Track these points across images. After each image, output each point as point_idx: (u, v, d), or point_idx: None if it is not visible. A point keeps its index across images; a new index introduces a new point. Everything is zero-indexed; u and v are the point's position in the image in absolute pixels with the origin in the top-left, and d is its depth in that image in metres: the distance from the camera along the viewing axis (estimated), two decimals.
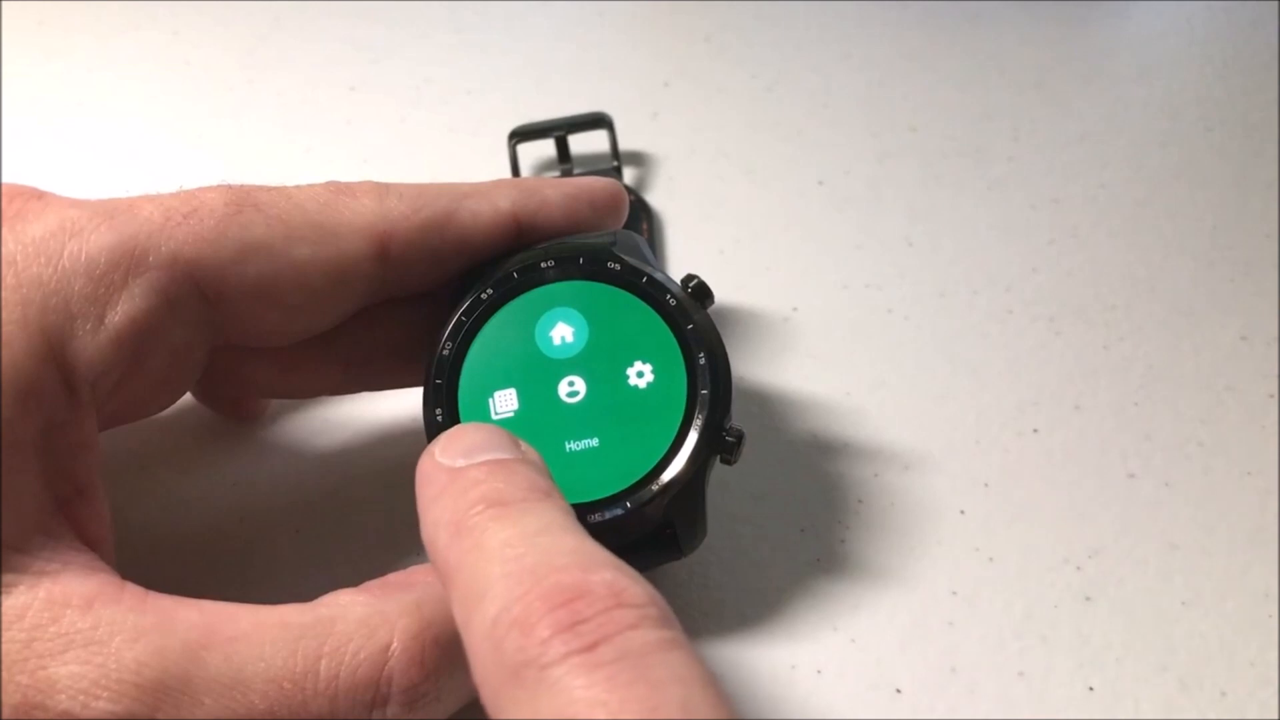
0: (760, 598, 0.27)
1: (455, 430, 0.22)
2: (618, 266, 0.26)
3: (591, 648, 0.16)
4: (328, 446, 0.31)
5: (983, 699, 0.26)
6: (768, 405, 0.32)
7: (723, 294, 0.34)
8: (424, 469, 0.21)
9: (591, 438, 0.25)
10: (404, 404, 0.30)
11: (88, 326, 0.22)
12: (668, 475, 0.24)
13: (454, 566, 0.19)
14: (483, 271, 0.26)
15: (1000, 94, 0.43)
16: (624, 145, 0.39)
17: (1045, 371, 0.33)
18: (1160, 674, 0.26)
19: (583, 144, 0.39)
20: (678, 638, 0.17)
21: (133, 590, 0.21)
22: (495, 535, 0.19)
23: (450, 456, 0.21)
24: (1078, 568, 0.28)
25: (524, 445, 0.22)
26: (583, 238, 0.27)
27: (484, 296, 0.26)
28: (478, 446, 0.21)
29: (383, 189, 0.25)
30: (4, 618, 0.20)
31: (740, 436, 0.25)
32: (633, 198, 0.37)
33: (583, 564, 0.18)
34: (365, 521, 0.29)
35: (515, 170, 0.38)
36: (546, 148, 0.39)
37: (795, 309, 0.34)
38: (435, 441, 0.21)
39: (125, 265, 0.22)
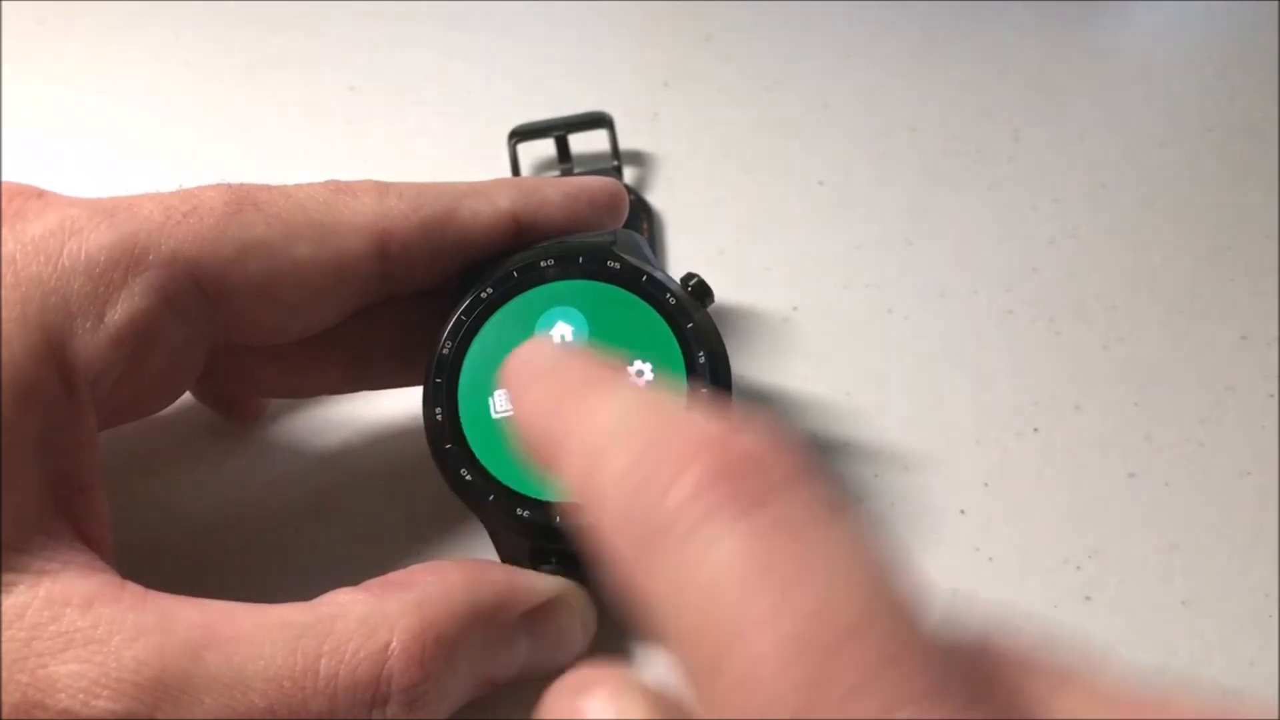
0: None
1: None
2: (618, 265, 0.26)
3: (746, 513, 0.13)
4: (328, 446, 0.31)
5: None
6: (768, 405, 0.32)
7: (723, 293, 0.34)
8: (520, 355, 0.18)
9: None
10: (404, 404, 0.30)
11: (87, 325, 0.22)
12: None
13: (563, 433, 0.16)
14: (483, 270, 0.26)
15: (1000, 94, 0.43)
16: (624, 145, 0.39)
17: (1045, 371, 0.33)
18: (1160, 674, 0.26)
19: (583, 144, 0.39)
20: (835, 500, 0.14)
21: (132, 589, 0.21)
22: (611, 398, 0.16)
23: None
24: (1078, 568, 0.28)
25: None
26: (583, 237, 0.27)
27: (484, 295, 0.26)
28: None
29: (383, 188, 0.25)
30: (4, 617, 0.20)
31: None
32: (633, 197, 0.37)
33: (717, 421, 0.14)
34: (365, 521, 0.29)
35: (515, 170, 0.38)
36: (547, 147, 0.39)
37: (795, 308, 0.34)
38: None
39: (125, 264, 0.22)
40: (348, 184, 0.25)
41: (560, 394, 0.16)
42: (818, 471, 0.14)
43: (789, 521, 0.13)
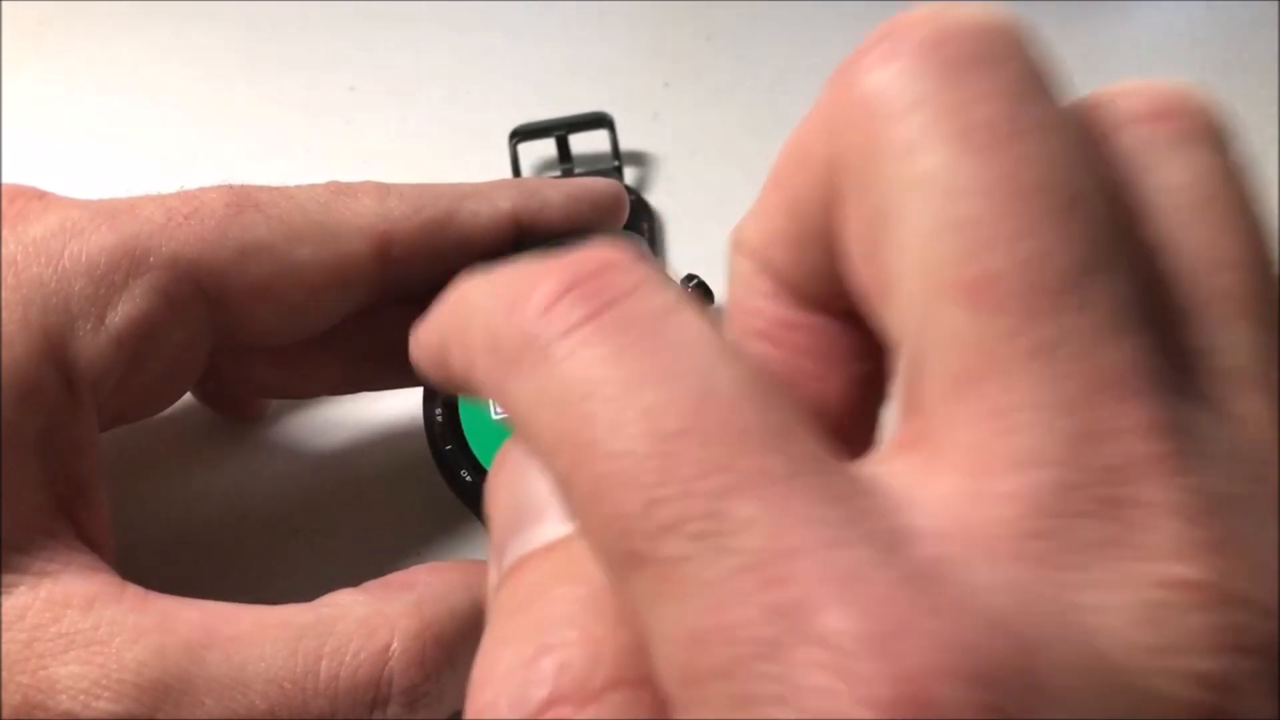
0: None
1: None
2: None
3: (595, 315, 0.13)
4: (328, 446, 0.31)
5: None
6: None
7: (723, 294, 0.34)
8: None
9: None
10: (404, 404, 0.30)
11: (88, 327, 0.22)
12: None
13: (441, 336, 0.16)
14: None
15: None
16: (625, 145, 0.39)
17: None
18: None
19: (583, 144, 0.39)
20: (683, 299, 0.13)
21: (133, 590, 0.21)
22: (471, 287, 0.15)
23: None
24: None
25: None
26: (583, 238, 0.27)
27: None
28: None
29: (383, 189, 0.25)
30: (5, 618, 0.20)
31: None
32: (633, 198, 0.37)
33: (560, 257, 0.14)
34: (365, 521, 0.29)
35: (516, 170, 0.38)
36: (547, 147, 0.39)
37: None
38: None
39: (126, 265, 0.23)
40: (348, 185, 0.25)
41: (438, 310, 0.16)
42: (663, 277, 0.14)
43: (639, 318, 0.13)
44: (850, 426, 0.16)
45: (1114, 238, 0.12)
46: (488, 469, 0.25)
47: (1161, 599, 0.11)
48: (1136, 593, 0.11)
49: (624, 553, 0.11)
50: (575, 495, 0.12)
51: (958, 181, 0.12)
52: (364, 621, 0.21)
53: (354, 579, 0.23)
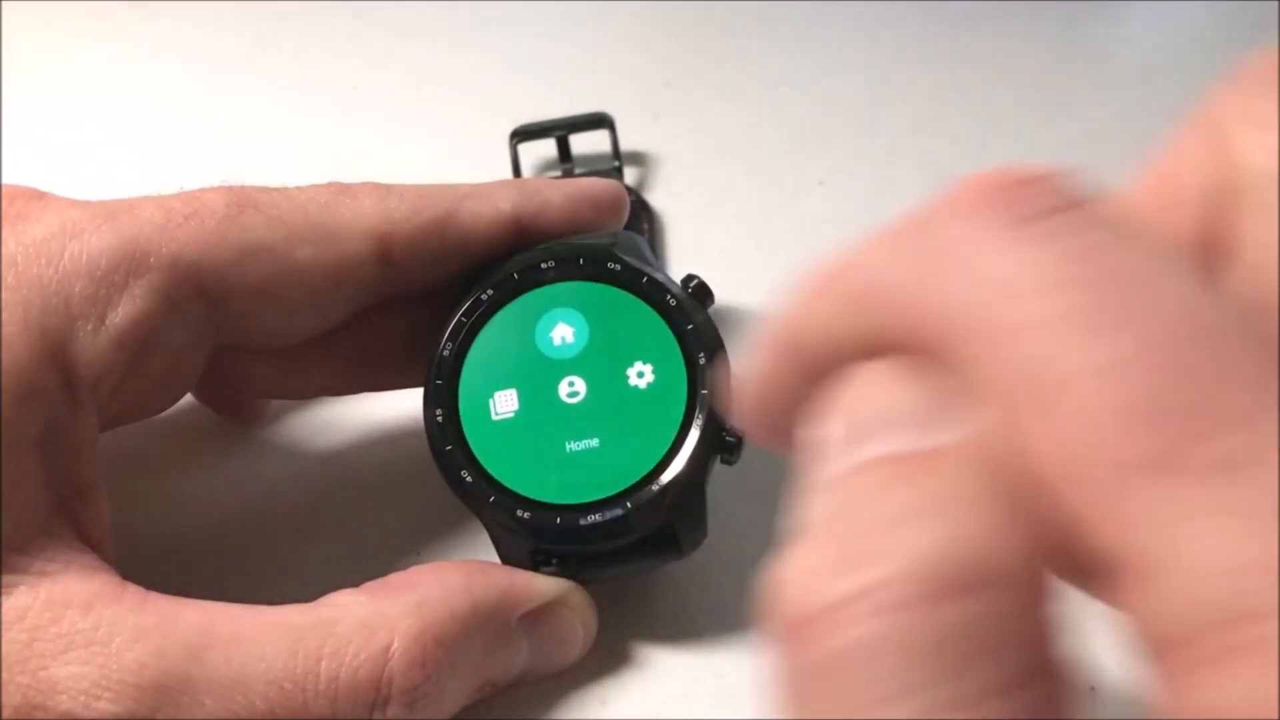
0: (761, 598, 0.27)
1: None
2: (618, 267, 0.26)
3: (1046, 215, 0.12)
4: (328, 446, 0.31)
5: None
6: None
7: (723, 294, 0.34)
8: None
9: (592, 438, 0.25)
10: (404, 404, 0.30)
11: (88, 328, 0.22)
12: (668, 476, 0.24)
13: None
14: (483, 272, 0.26)
15: (1000, 94, 0.43)
16: (625, 145, 0.39)
17: None
18: None
19: (584, 144, 0.39)
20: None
21: (133, 591, 0.21)
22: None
23: None
24: None
25: None
26: (583, 238, 0.27)
27: (484, 297, 0.26)
28: None
29: (384, 190, 0.25)
30: (5, 618, 0.20)
31: (741, 437, 0.25)
32: (634, 198, 0.37)
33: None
34: (365, 521, 0.29)
35: (516, 170, 0.38)
36: (548, 147, 0.39)
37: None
38: None
39: (126, 266, 0.23)
40: (349, 186, 0.25)
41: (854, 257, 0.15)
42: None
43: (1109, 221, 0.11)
44: None
45: None
46: (487, 469, 0.25)
47: None
48: None
49: (1133, 460, 0.10)
50: (1046, 396, 0.10)
51: None
52: (364, 622, 0.21)
53: (354, 579, 0.23)
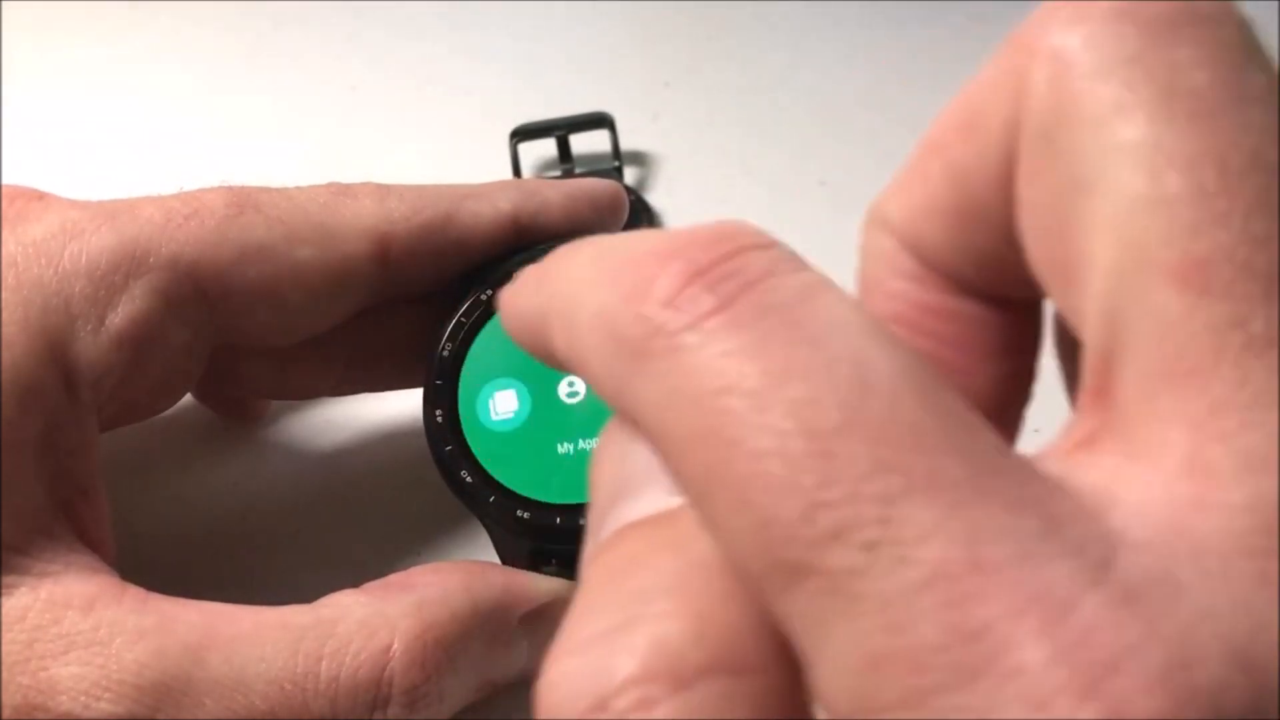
0: None
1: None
2: None
3: (728, 303, 0.11)
4: (328, 446, 0.31)
5: None
6: None
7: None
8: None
9: (592, 438, 0.25)
10: (404, 404, 0.30)
11: (88, 328, 0.22)
12: None
13: (540, 310, 0.15)
14: (483, 272, 0.26)
15: None
16: (625, 145, 0.39)
17: (1044, 370, 0.33)
18: None
19: (584, 144, 0.39)
20: (822, 278, 0.12)
21: (133, 591, 0.21)
22: (573, 255, 0.14)
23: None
24: None
25: None
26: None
27: (484, 297, 0.26)
28: None
29: (383, 190, 0.25)
30: (5, 619, 0.20)
31: None
32: (633, 198, 0.37)
33: (678, 234, 0.13)
34: (365, 521, 0.29)
35: (516, 170, 0.38)
36: (548, 147, 0.39)
37: None
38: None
39: (126, 267, 0.23)
40: (348, 186, 0.25)
41: (536, 277, 0.15)
42: (785, 245, 0.13)
43: (777, 304, 0.11)
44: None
45: None
46: (487, 469, 0.25)
47: None
48: None
49: (780, 563, 0.10)
50: (715, 499, 0.11)
51: (1171, 150, 0.11)
52: (364, 623, 0.21)
53: (354, 579, 0.23)
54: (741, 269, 0.12)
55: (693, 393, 0.11)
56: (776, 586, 0.10)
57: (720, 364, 0.11)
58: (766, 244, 0.12)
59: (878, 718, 0.09)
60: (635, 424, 0.12)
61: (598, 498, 0.14)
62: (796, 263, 0.12)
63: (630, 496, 0.13)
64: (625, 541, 0.13)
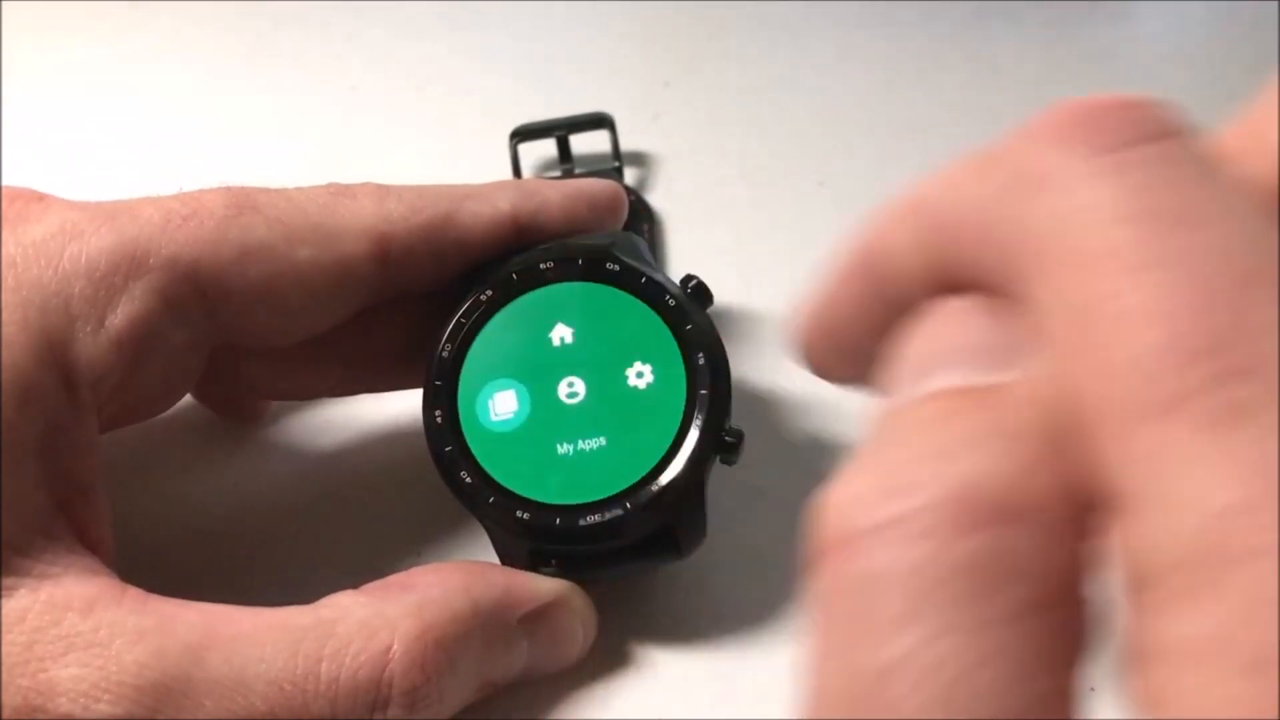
0: (761, 599, 0.27)
1: None
2: (617, 268, 0.26)
3: (1131, 145, 0.12)
4: (328, 446, 0.31)
5: None
6: (768, 405, 0.32)
7: (723, 295, 0.34)
8: None
9: (591, 439, 0.25)
10: (404, 404, 0.30)
11: (88, 329, 0.22)
12: (667, 476, 0.24)
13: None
14: (483, 272, 0.26)
15: (1001, 94, 0.43)
16: (625, 145, 0.39)
17: None
18: None
19: (584, 144, 0.39)
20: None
21: (133, 593, 0.21)
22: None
23: None
24: None
25: None
26: (582, 239, 0.27)
27: (483, 298, 0.26)
28: None
29: (382, 191, 0.25)
30: (5, 620, 0.20)
31: (740, 437, 0.25)
32: (633, 198, 0.37)
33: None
34: (365, 522, 0.29)
35: (516, 170, 0.38)
36: (548, 147, 0.39)
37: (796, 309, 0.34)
38: None
39: (125, 267, 0.23)
40: (348, 187, 0.25)
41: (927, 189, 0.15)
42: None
43: (1178, 159, 0.12)
44: None
45: None
46: (487, 470, 0.25)
47: None
48: None
49: (1151, 397, 0.10)
50: (1092, 328, 0.11)
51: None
52: (364, 623, 0.21)
53: (354, 580, 0.23)
54: (1147, 118, 0.12)
55: (1090, 220, 0.11)
56: (1137, 426, 0.10)
57: (1118, 196, 0.11)
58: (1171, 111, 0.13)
59: (1219, 568, 0.09)
60: (1010, 254, 0.12)
61: (908, 363, 0.14)
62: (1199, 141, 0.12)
63: (947, 367, 0.13)
64: (940, 400, 0.13)
